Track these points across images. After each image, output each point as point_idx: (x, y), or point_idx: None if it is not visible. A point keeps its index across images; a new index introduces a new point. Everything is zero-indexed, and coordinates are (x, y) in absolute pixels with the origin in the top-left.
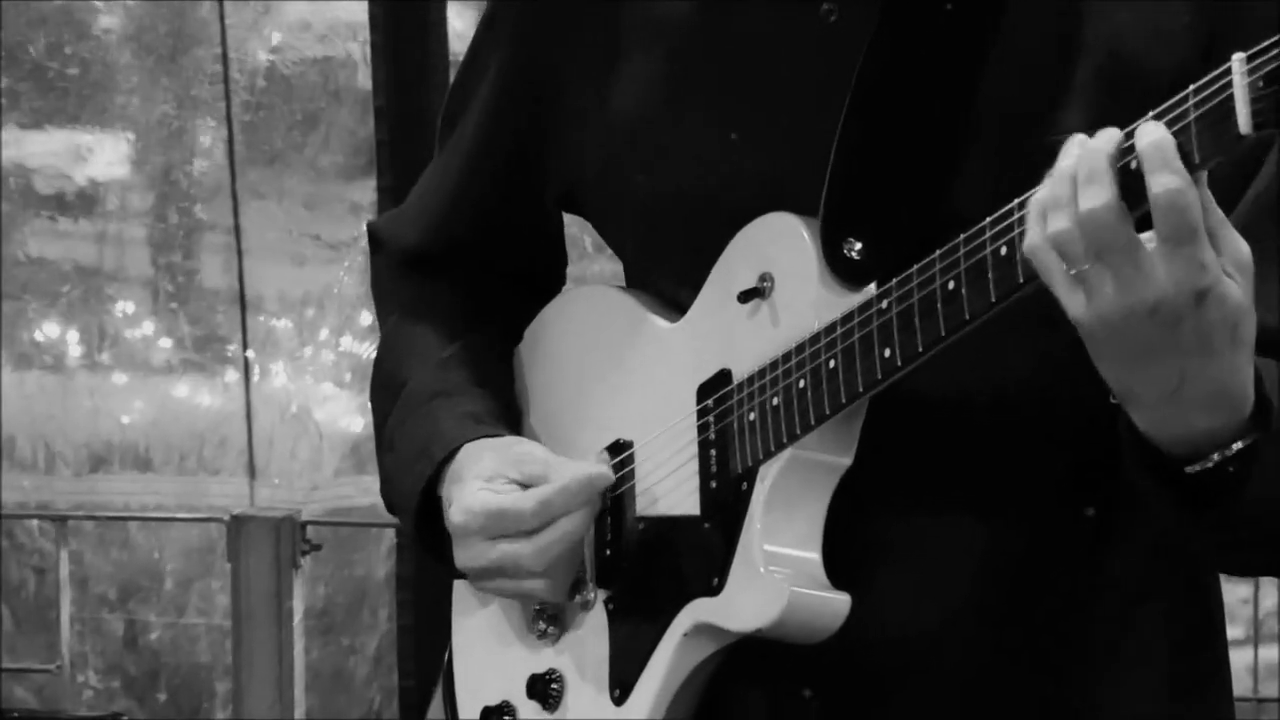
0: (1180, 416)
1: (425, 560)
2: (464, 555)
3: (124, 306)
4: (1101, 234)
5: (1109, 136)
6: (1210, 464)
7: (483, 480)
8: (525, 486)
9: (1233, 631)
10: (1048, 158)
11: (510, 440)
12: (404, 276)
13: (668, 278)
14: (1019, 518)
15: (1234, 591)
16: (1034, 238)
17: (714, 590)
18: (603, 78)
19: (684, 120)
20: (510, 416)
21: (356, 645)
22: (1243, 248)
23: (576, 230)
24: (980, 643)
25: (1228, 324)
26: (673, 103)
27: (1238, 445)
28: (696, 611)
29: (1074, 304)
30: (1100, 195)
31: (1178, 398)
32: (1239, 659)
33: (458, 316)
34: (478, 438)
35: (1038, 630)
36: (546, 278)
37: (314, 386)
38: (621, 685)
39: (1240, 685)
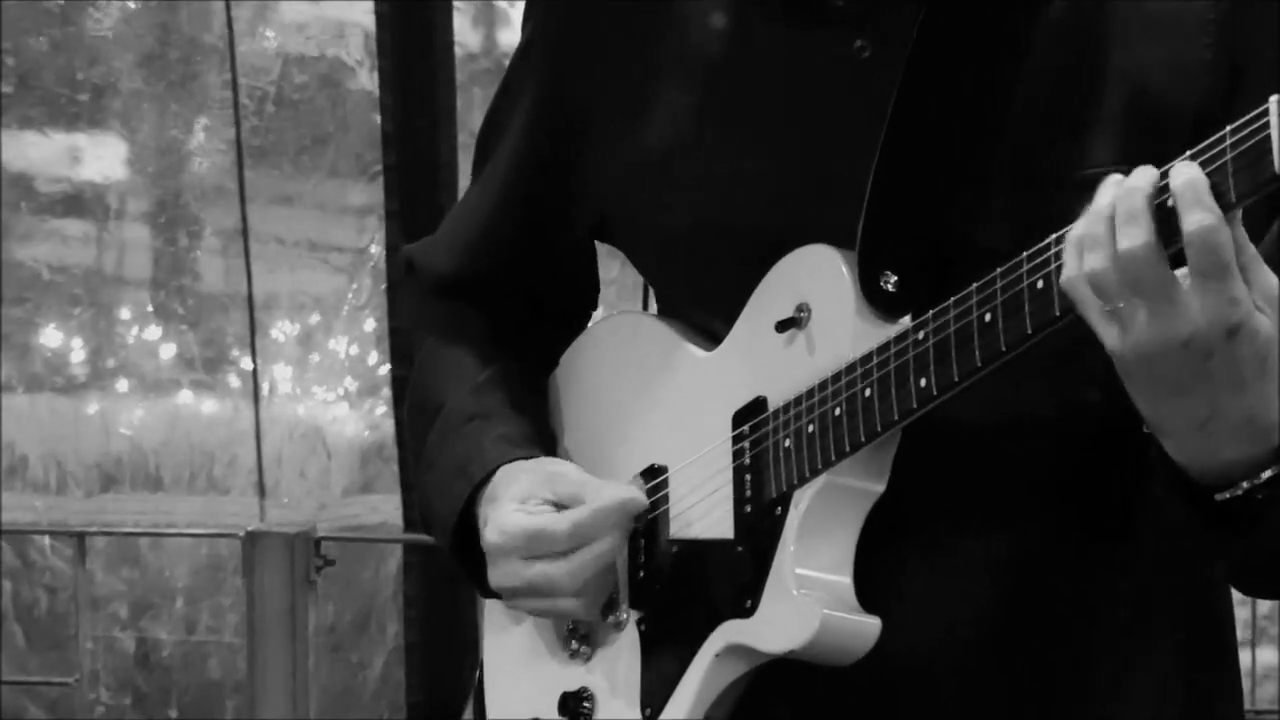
0: (1211, 446)
1: (433, 578)
2: (498, 574)
3: (130, 320)
4: (1138, 272)
5: (1146, 176)
6: (1240, 491)
7: (517, 501)
8: (559, 506)
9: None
10: (1076, 191)
11: (545, 461)
12: (439, 303)
13: (700, 308)
14: (1037, 541)
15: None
16: (1070, 271)
17: (747, 612)
18: (635, 110)
19: (716, 153)
20: (545, 440)
21: (364, 662)
22: (1272, 281)
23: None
24: (995, 664)
25: (1259, 357)
26: (705, 136)
27: (1267, 474)
28: (729, 633)
29: (1109, 336)
30: (1138, 236)
31: (1209, 428)
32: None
33: (490, 341)
34: (514, 460)
35: (1051, 652)
36: (578, 307)
37: (321, 399)
38: (652, 704)
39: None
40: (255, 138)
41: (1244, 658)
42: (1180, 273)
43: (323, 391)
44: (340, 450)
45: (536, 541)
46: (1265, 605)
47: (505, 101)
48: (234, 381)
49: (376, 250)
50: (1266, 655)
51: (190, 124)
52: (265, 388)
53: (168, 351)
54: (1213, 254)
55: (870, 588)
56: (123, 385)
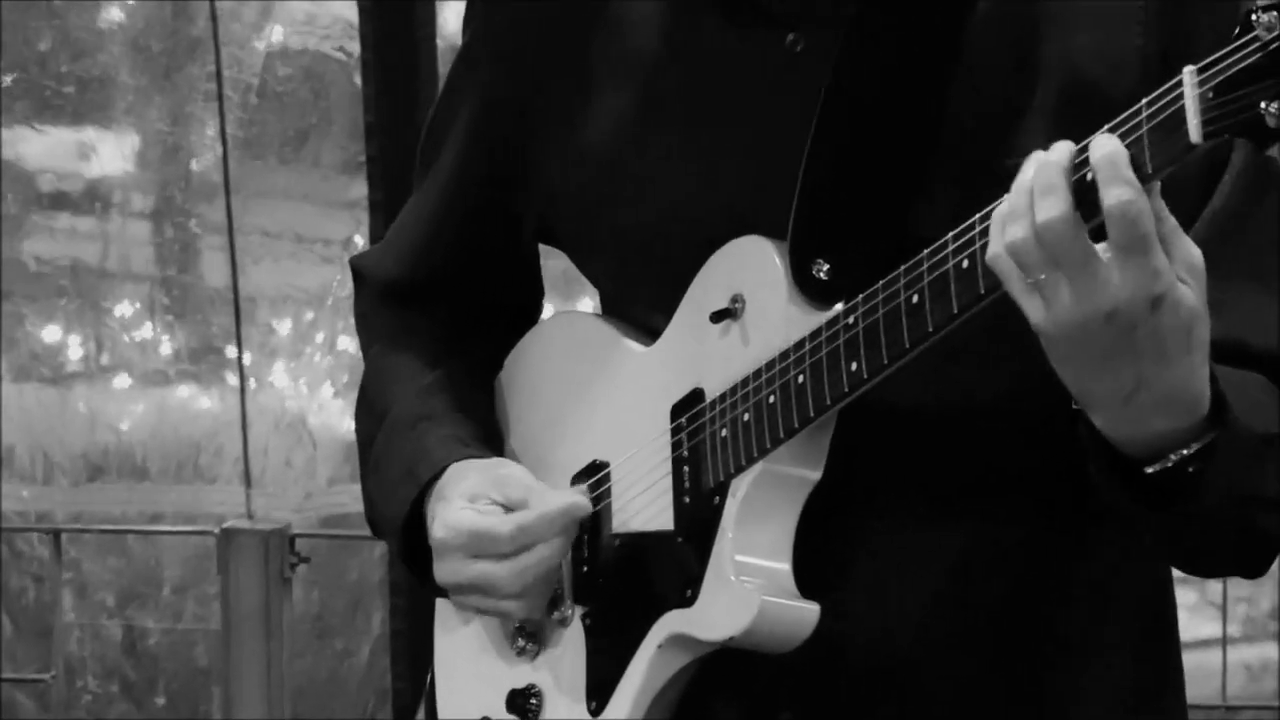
0: (1138, 419)
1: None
2: (443, 570)
3: (121, 311)
4: (1057, 244)
5: (1063, 150)
6: (1169, 464)
7: (466, 499)
8: (507, 508)
9: (1230, 629)
10: (1009, 179)
11: (495, 462)
12: (385, 307)
13: (642, 305)
14: (986, 526)
15: (1234, 590)
16: (995, 248)
17: (688, 601)
18: (573, 111)
19: (654, 151)
20: (492, 441)
21: (350, 649)
22: (1194, 252)
23: None
24: (952, 651)
25: (1183, 328)
26: (642, 135)
27: (1196, 445)
28: (671, 623)
29: (1033, 311)
30: (1056, 206)
31: (1135, 400)
32: (1235, 657)
33: (437, 344)
34: (463, 459)
35: (1008, 636)
36: (524, 309)
37: (310, 396)
38: (598, 698)
39: (1234, 683)
40: (242, 130)
41: (1247, 653)
42: (1101, 246)
43: (309, 382)
44: (326, 441)
45: (480, 541)
46: (1266, 603)
47: (446, 106)
48: (222, 373)
49: (361, 242)
50: (1268, 651)
51: (187, 119)
52: (252, 381)
53: (157, 344)
54: (1133, 227)
55: (815, 576)
56: (112, 378)
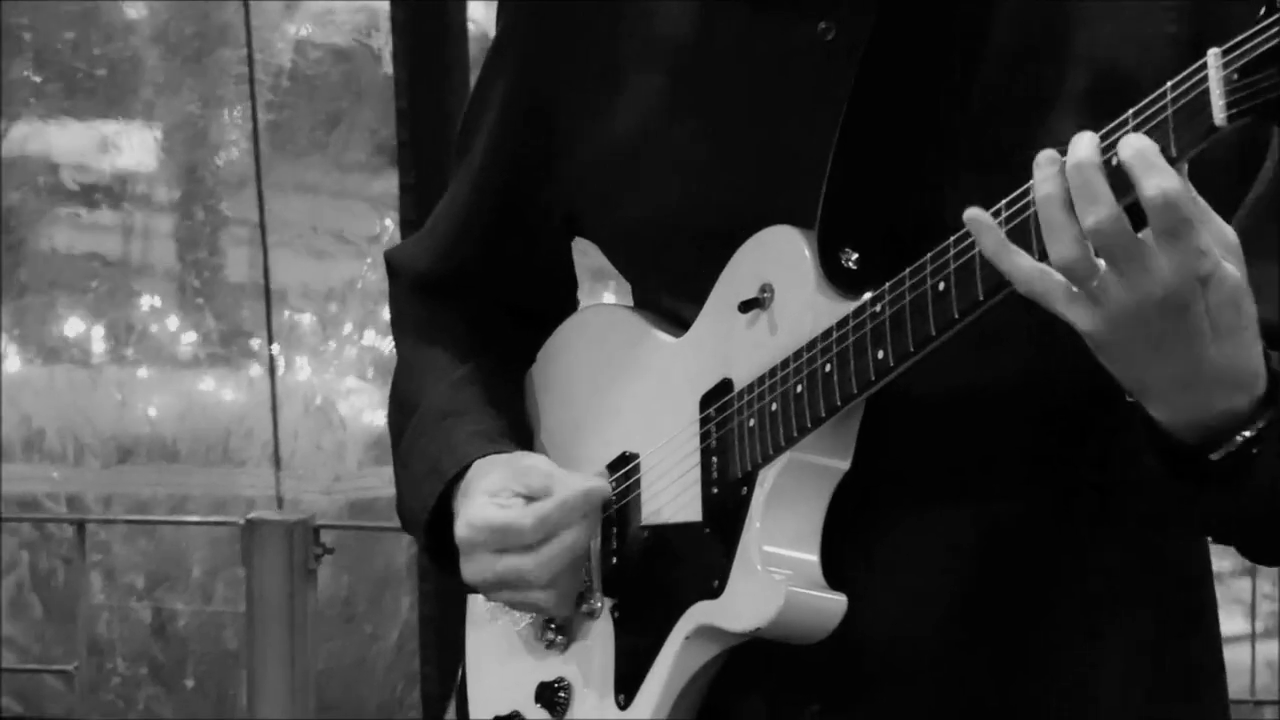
0: (1197, 403)
1: None
2: (470, 568)
3: (150, 301)
4: (1111, 243)
5: (1090, 147)
6: (1234, 446)
7: (488, 495)
8: (530, 499)
9: (1257, 625)
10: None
11: (518, 455)
12: (418, 301)
13: (671, 296)
14: (1014, 515)
15: (1261, 588)
16: (1028, 273)
17: (715, 592)
18: (603, 102)
19: (682, 140)
20: (520, 435)
21: (378, 633)
22: (1228, 231)
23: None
24: (979, 641)
25: (1232, 303)
26: (671, 123)
27: (1260, 423)
28: (698, 614)
29: (1081, 318)
30: (1104, 208)
31: (1194, 384)
32: (1261, 653)
33: (469, 338)
34: (488, 454)
35: (1032, 625)
36: (556, 302)
37: (338, 380)
38: (625, 690)
39: (1260, 678)
40: (273, 114)
41: (1274, 649)
42: (1144, 233)
43: (338, 367)
44: (355, 425)
45: (503, 535)
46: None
47: (479, 97)
48: (250, 356)
49: (391, 227)
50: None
51: (217, 111)
52: (281, 363)
53: (185, 327)
54: (1174, 211)
55: (843, 566)
56: (139, 359)
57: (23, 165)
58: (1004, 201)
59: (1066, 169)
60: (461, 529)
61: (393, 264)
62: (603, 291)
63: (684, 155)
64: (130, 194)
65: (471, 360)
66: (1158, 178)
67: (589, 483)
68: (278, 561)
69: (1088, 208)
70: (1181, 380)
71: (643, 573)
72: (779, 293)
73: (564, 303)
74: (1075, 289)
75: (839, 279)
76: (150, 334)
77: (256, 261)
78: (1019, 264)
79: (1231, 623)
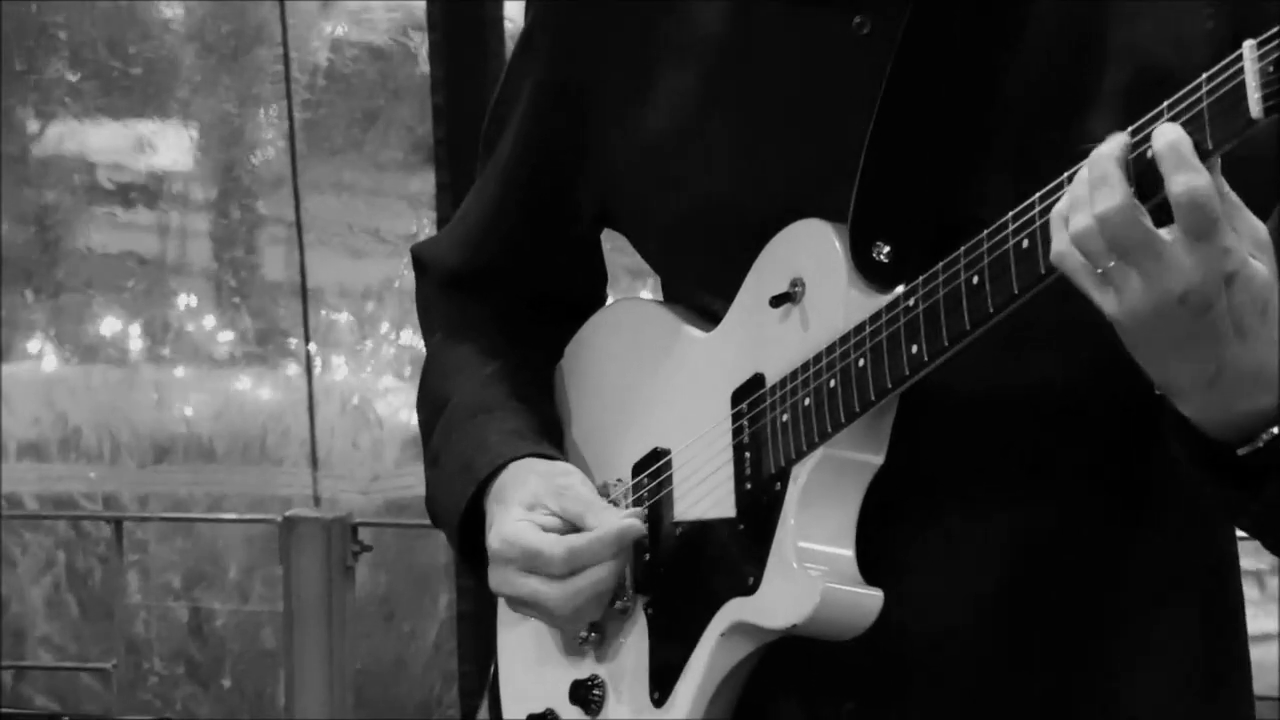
0: (1224, 402)
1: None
2: (495, 578)
3: (186, 300)
4: (1119, 233)
5: (1116, 140)
6: (1260, 444)
7: (524, 507)
8: (563, 520)
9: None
10: (1074, 164)
11: (557, 469)
12: (447, 298)
13: (702, 290)
14: (1048, 511)
15: None
16: (1059, 244)
17: (750, 589)
18: (636, 95)
19: (715, 135)
20: (551, 431)
21: (417, 631)
22: (1260, 227)
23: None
24: (1013, 638)
25: (1259, 303)
26: (704, 118)
27: None
28: (733, 611)
29: (1107, 303)
30: (1113, 197)
31: (1219, 383)
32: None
33: (498, 333)
34: (523, 455)
35: (1068, 623)
36: (586, 297)
37: (374, 379)
38: (660, 687)
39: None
40: (309, 113)
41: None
42: (1168, 230)
43: (375, 366)
44: (393, 423)
45: (533, 560)
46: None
47: (507, 92)
48: (287, 355)
49: (428, 226)
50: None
51: (253, 110)
52: (318, 362)
53: (222, 326)
54: (1200, 211)
55: (877, 562)
56: (175, 358)
57: (59, 165)
58: (1037, 195)
59: (1090, 158)
60: (494, 540)
61: (420, 259)
62: (640, 290)
63: (718, 150)
64: (166, 193)
65: (501, 356)
66: (1186, 175)
67: (623, 522)
68: (315, 559)
69: (1097, 192)
70: (1206, 379)
71: (676, 569)
72: (810, 287)
73: (594, 295)
74: (1098, 270)
75: (871, 272)
76: (187, 333)
77: (293, 260)
78: (1057, 234)
79: (1258, 621)
